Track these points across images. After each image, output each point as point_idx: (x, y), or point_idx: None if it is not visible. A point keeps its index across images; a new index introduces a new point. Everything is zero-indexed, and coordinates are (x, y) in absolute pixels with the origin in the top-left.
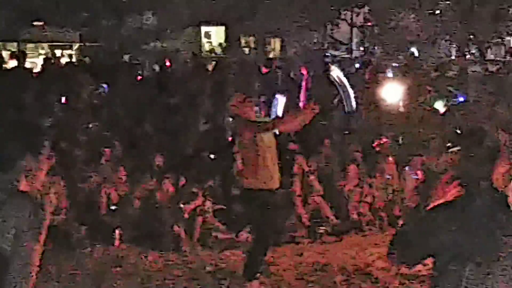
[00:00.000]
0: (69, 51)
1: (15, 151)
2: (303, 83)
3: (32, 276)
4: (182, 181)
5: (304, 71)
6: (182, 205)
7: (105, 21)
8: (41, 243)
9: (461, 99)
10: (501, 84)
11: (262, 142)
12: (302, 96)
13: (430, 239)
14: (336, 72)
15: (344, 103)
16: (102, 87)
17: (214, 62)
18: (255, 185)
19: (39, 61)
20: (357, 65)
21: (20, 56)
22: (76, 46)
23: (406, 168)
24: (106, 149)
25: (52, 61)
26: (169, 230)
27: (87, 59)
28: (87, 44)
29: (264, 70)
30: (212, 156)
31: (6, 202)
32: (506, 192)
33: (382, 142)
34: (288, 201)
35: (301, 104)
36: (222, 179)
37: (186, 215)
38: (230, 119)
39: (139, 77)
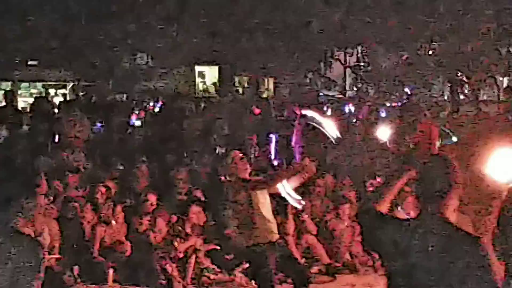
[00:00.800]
0: (63, 91)
1: (11, 190)
2: (296, 123)
3: None
4: (174, 220)
5: (297, 111)
6: (176, 244)
7: (99, 60)
8: (38, 282)
9: (454, 139)
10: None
11: (257, 199)
12: (294, 137)
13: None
14: (310, 114)
15: (328, 135)
16: (96, 126)
17: (207, 102)
18: (254, 242)
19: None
20: (350, 106)
21: (10, 96)
22: (70, 85)
23: (399, 208)
24: (101, 188)
25: (45, 99)
26: (162, 270)
27: (81, 97)
28: (81, 83)
29: (256, 111)
30: (202, 198)
31: (4, 242)
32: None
33: (376, 181)
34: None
35: (292, 145)
36: (215, 219)
37: (181, 255)
38: (226, 177)
39: (133, 116)
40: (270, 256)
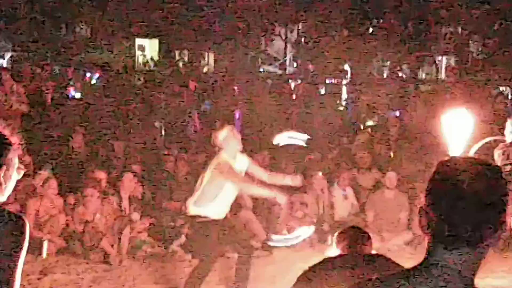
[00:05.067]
0: (0, 60)
1: None
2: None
3: None
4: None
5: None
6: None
7: (38, 31)
8: (22, 258)
9: (397, 113)
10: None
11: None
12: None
13: None
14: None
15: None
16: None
17: (147, 75)
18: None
19: None
20: (290, 81)
21: None
22: (8, 55)
23: (335, 183)
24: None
25: None
26: (97, 242)
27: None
28: (19, 54)
29: (191, 85)
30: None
31: None
32: None
33: (312, 157)
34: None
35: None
36: (154, 193)
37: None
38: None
39: (70, 88)
40: (213, 229)
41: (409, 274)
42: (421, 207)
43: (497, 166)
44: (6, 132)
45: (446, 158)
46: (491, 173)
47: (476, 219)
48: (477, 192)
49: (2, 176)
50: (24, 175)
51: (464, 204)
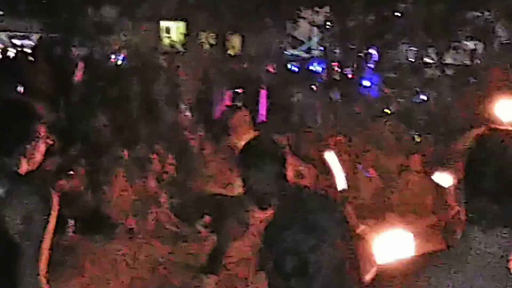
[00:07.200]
0: (27, 41)
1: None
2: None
3: (43, 263)
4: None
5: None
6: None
7: (65, 12)
8: (50, 229)
9: (424, 97)
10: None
11: None
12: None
13: None
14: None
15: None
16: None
17: (172, 57)
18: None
19: None
20: (316, 66)
21: None
22: (36, 36)
23: (359, 166)
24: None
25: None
26: (122, 222)
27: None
28: (47, 35)
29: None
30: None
31: (13, 189)
32: None
33: (337, 139)
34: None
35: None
36: (180, 174)
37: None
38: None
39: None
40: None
41: (442, 257)
42: (459, 180)
43: None
44: (37, 106)
45: (487, 131)
46: None
47: None
48: None
49: (32, 147)
50: (52, 154)
51: (505, 181)
